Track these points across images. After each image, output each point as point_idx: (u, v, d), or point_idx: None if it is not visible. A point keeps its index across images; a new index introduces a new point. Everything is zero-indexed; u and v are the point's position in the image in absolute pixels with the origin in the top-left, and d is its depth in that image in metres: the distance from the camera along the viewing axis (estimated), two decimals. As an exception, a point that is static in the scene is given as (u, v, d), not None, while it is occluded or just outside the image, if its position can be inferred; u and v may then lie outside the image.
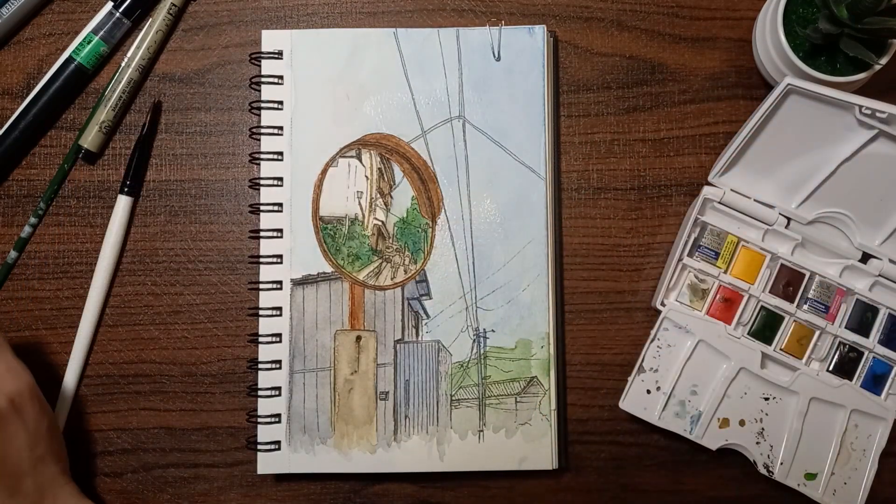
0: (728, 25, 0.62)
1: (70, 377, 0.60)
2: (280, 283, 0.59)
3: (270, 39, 0.60)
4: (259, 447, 0.58)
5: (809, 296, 0.58)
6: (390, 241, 0.60)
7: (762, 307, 0.59)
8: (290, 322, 0.59)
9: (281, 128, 0.60)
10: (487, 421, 0.58)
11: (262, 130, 0.60)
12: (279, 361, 0.59)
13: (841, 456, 0.57)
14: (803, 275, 0.59)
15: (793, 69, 0.55)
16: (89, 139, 0.60)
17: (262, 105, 0.60)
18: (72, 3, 0.62)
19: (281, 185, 0.59)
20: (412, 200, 0.60)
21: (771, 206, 0.59)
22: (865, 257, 0.59)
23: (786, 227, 0.59)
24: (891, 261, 0.58)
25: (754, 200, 0.59)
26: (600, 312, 0.61)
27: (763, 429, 0.58)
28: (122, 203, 0.60)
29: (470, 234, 0.59)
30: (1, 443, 0.50)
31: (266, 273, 0.59)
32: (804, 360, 0.58)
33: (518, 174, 0.60)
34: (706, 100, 0.62)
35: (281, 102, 0.60)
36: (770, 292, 0.59)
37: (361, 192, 0.60)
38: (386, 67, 0.60)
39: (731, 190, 0.59)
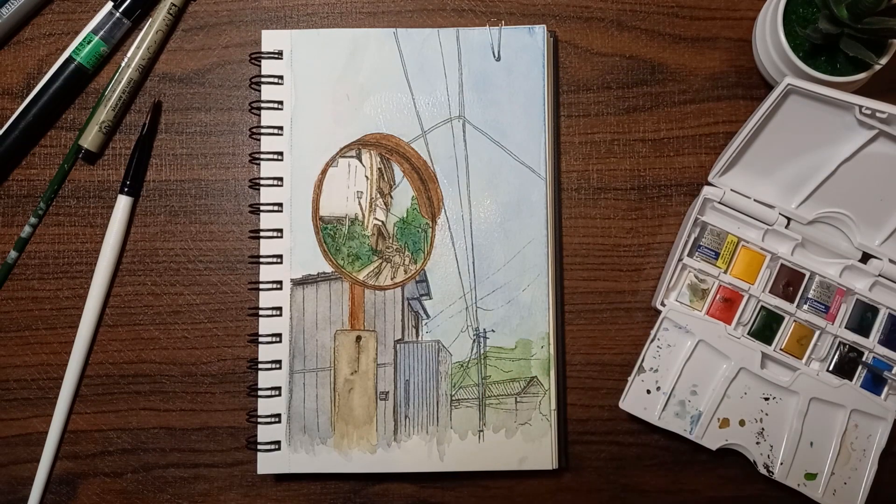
0: (728, 25, 0.62)
1: (70, 377, 0.60)
2: (280, 283, 0.59)
3: (270, 39, 0.60)
4: (259, 447, 0.58)
5: (809, 296, 0.58)
6: (390, 241, 0.60)
7: (762, 307, 0.59)
8: (290, 322, 0.59)
9: (281, 128, 0.60)
10: (487, 421, 0.58)
11: (262, 130, 0.60)
12: (279, 361, 0.59)
13: (841, 456, 0.57)
14: (803, 275, 0.59)
15: (793, 69, 0.55)
16: (89, 139, 0.60)
17: (262, 105, 0.60)
18: (72, 3, 0.62)
19: (281, 185, 0.59)
20: (412, 200, 0.60)
21: (771, 206, 0.59)
22: (865, 257, 0.59)
23: (786, 227, 0.59)
24: (891, 261, 0.58)
25: (754, 200, 0.59)
26: (600, 312, 0.61)
27: (763, 429, 0.58)
28: (122, 203, 0.60)
29: (470, 234, 0.59)
30: None
31: (266, 273, 0.59)
32: (804, 360, 0.58)
33: (518, 174, 0.60)
34: (706, 100, 0.62)
35: (281, 102, 0.60)
36: (770, 292, 0.59)
37: (361, 192, 0.60)
38: (386, 67, 0.60)
39: (731, 190, 0.59)
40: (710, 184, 0.59)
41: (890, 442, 0.58)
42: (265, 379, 0.59)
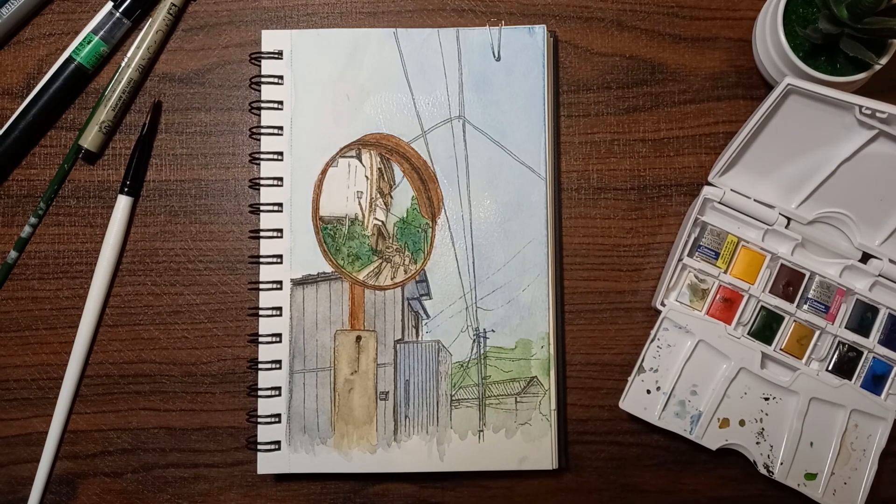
0: (728, 25, 0.62)
1: (70, 377, 0.60)
2: (280, 283, 0.59)
3: (270, 39, 0.60)
4: (259, 447, 0.58)
5: (809, 296, 0.58)
6: (390, 241, 0.60)
7: (762, 307, 0.59)
8: (290, 322, 0.59)
9: (281, 128, 0.60)
10: (487, 421, 0.58)
11: (262, 130, 0.60)
12: (279, 361, 0.59)
13: (841, 456, 0.57)
14: (803, 275, 0.59)
15: (793, 69, 0.55)
16: (89, 139, 0.60)
17: (262, 105, 0.60)
18: (72, 3, 0.62)
19: (281, 185, 0.59)
20: (412, 200, 0.60)
21: (771, 206, 0.59)
22: (865, 257, 0.59)
23: (786, 227, 0.59)
24: (891, 261, 0.58)
25: (754, 200, 0.59)
26: (600, 312, 0.61)
27: (763, 429, 0.58)
28: (122, 203, 0.60)
29: (470, 234, 0.59)
30: None
31: (266, 273, 0.59)
32: (804, 360, 0.58)
33: (518, 174, 0.60)
34: (706, 100, 0.62)
35: (281, 102, 0.60)
36: (770, 292, 0.59)
37: (361, 192, 0.60)
38: (386, 67, 0.60)
39: (731, 190, 0.59)
40: (710, 184, 0.59)
41: (890, 442, 0.58)
42: (265, 379, 0.59)
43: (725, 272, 0.59)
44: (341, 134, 0.60)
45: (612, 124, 0.62)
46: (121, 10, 0.60)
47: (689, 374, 0.58)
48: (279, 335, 0.59)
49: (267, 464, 0.58)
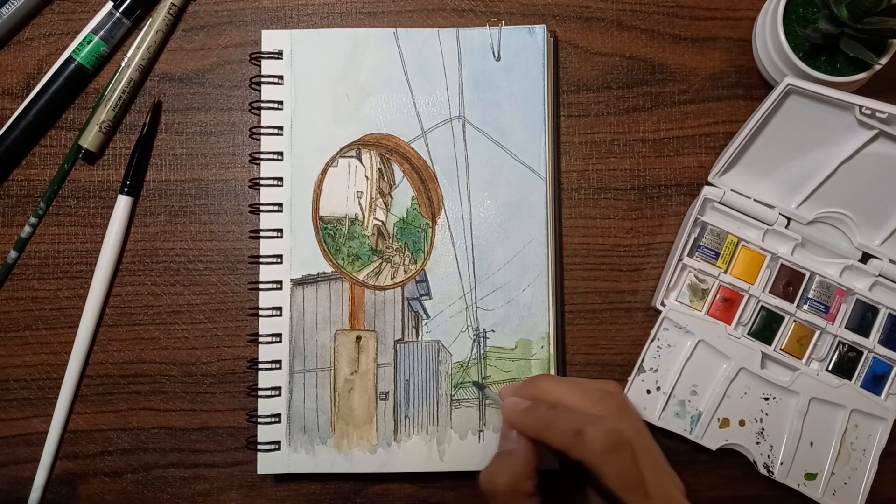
0: (728, 25, 0.62)
1: (70, 377, 0.60)
2: (280, 283, 0.59)
3: (270, 39, 0.60)
4: (259, 447, 0.58)
5: (809, 296, 0.58)
6: (390, 241, 0.60)
7: (762, 307, 0.59)
8: (290, 322, 0.59)
9: (281, 128, 0.60)
10: (487, 421, 0.58)
11: (262, 130, 0.60)
12: (279, 361, 0.59)
13: (841, 456, 0.57)
14: (803, 275, 0.59)
15: (793, 69, 0.55)
16: (89, 139, 0.60)
17: (262, 105, 0.60)
18: (72, 3, 0.62)
19: (281, 185, 0.59)
20: (412, 200, 0.60)
21: (771, 206, 0.59)
22: (865, 257, 0.59)
23: (786, 227, 0.59)
24: (891, 261, 0.58)
25: (754, 200, 0.59)
26: (600, 312, 0.61)
27: (763, 429, 0.58)
28: (122, 203, 0.60)
29: (470, 234, 0.59)
30: None
31: (266, 273, 0.59)
32: (804, 360, 0.58)
33: (518, 174, 0.60)
34: (706, 100, 0.62)
35: (281, 102, 0.60)
36: (770, 292, 0.59)
37: (361, 192, 0.60)
38: (386, 67, 0.60)
39: (731, 190, 0.59)
40: (710, 184, 0.59)
41: (890, 442, 0.58)
42: (265, 379, 0.59)
43: (725, 272, 0.59)
44: (341, 134, 0.60)
45: (612, 124, 0.62)
46: (121, 10, 0.60)
47: (689, 374, 0.58)
48: (279, 335, 0.59)
49: (267, 464, 0.58)
